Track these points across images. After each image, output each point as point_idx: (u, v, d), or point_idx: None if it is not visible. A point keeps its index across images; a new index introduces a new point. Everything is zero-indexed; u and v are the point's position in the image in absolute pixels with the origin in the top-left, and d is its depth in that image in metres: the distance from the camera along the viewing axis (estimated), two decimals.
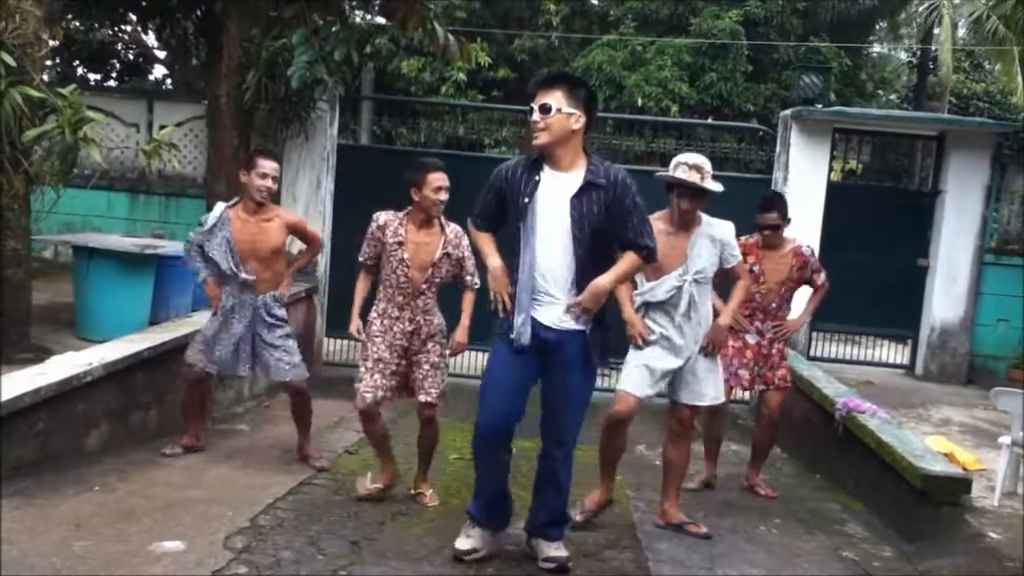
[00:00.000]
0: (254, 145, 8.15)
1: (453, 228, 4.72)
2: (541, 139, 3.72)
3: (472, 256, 4.69)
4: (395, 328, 4.65)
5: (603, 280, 3.71)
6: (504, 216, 3.88)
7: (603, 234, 3.74)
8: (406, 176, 4.62)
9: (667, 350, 4.52)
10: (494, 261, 3.86)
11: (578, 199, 3.70)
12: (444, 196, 4.58)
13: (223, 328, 5.16)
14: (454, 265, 4.73)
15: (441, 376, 4.73)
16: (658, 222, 4.40)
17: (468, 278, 4.79)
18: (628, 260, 3.81)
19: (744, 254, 5.46)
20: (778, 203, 5.57)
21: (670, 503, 4.70)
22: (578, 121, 3.73)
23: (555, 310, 3.76)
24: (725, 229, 4.63)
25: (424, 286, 4.64)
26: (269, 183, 5.10)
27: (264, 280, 5.18)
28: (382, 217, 4.67)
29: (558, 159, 3.75)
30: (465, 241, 4.69)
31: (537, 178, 3.74)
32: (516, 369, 3.83)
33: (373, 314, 4.72)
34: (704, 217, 4.59)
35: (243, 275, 5.08)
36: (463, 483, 5.15)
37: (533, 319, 3.76)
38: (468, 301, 4.82)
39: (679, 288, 4.48)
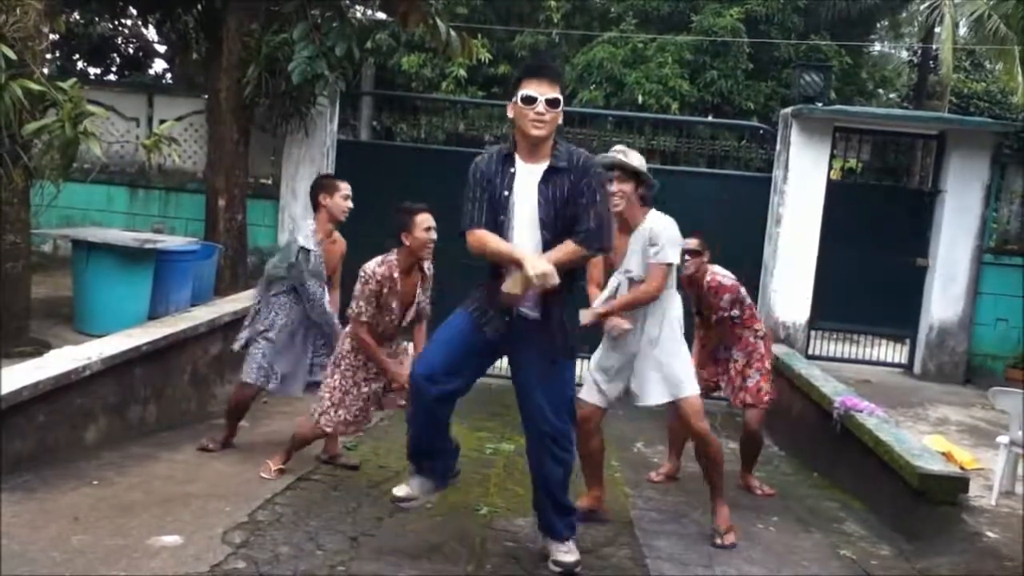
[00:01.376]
0: (255, 140, 8.17)
1: (428, 266, 4.84)
2: (544, 131, 3.70)
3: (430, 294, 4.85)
4: (368, 364, 4.81)
5: (544, 255, 3.66)
6: None
7: (567, 218, 3.71)
8: (392, 221, 4.67)
9: (609, 350, 4.56)
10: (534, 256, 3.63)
11: (544, 184, 3.73)
12: (434, 235, 4.66)
13: (288, 349, 5.24)
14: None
15: None
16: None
17: (427, 307, 4.89)
18: (564, 246, 3.68)
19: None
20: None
21: (713, 512, 4.64)
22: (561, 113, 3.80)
23: (531, 303, 3.77)
24: (657, 222, 4.45)
25: (405, 324, 4.87)
26: (350, 204, 5.22)
27: None
28: (377, 272, 4.67)
29: (539, 151, 3.76)
30: (431, 272, 4.84)
31: (512, 170, 3.76)
32: (472, 341, 3.81)
33: (348, 346, 4.85)
34: (651, 214, 4.48)
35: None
36: (464, 481, 5.15)
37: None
38: (422, 336, 4.88)
39: (617, 287, 4.51)
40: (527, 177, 3.75)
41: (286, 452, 5.01)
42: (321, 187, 5.24)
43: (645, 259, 4.42)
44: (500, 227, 3.74)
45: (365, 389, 4.83)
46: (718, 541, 4.47)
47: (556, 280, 3.56)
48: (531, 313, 3.78)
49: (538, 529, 4.08)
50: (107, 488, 4.45)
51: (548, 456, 3.86)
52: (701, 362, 5.57)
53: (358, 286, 4.70)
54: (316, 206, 5.21)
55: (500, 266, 3.75)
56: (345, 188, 5.22)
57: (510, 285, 3.62)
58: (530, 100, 3.67)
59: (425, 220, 4.62)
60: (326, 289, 5.25)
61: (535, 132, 3.69)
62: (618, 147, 4.55)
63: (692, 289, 5.48)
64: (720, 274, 5.48)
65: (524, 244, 3.72)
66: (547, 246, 3.72)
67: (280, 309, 5.23)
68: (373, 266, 4.69)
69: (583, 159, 3.78)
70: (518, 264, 3.60)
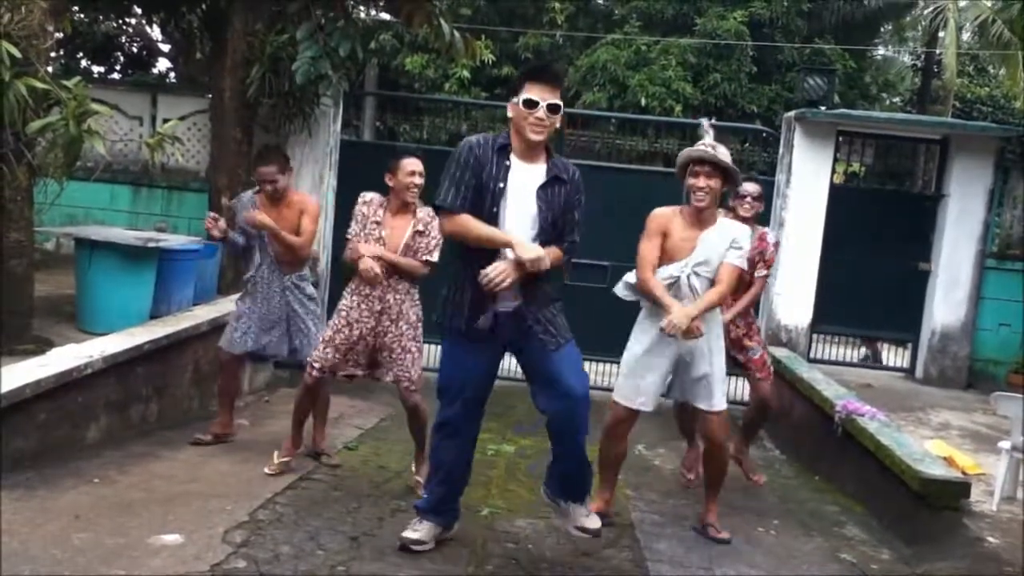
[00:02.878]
0: (257, 139, 8.17)
1: (425, 209, 4.85)
2: (542, 136, 3.75)
3: (439, 238, 4.79)
4: (363, 306, 4.83)
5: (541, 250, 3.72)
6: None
7: (558, 226, 3.81)
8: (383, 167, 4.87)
9: (659, 348, 4.45)
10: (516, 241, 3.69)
11: (544, 191, 3.78)
12: (418, 180, 4.78)
13: (253, 306, 5.32)
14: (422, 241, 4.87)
15: (412, 359, 4.85)
16: (676, 216, 4.49)
17: (426, 257, 4.86)
18: (554, 251, 3.79)
19: None
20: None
21: (708, 510, 4.70)
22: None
23: (511, 293, 3.76)
24: (738, 228, 4.52)
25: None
26: (279, 179, 5.26)
27: (286, 262, 5.33)
28: (368, 194, 4.89)
29: (534, 152, 3.81)
30: (436, 222, 4.69)
31: (507, 164, 3.78)
32: (478, 357, 3.86)
33: (345, 292, 4.92)
34: (722, 218, 4.56)
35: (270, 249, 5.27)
36: None
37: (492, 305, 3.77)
38: (417, 265, 4.87)
39: (676, 279, 4.41)
40: (524, 176, 3.78)
41: (293, 435, 5.05)
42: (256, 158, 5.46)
43: (720, 258, 4.41)
44: (490, 218, 3.75)
45: (357, 331, 4.81)
46: (713, 533, 4.57)
47: (547, 264, 3.68)
48: (508, 307, 3.77)
49: (557, 498, 4.00)
50: (108, 487, 4.45)
51: (577, 419, 3.82)
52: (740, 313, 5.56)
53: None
54: None
55: (481, 256, 3.71)
56: (263, 173, 5.25)
57: (498, 269, 3.62)
58: (531, 104, 3.71)
59: (409, 165, 4.76)
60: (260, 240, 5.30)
61: (534, 137, 3.74)
62: (708, 140, 4.56)
63: None
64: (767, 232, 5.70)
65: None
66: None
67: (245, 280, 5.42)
68: (369, 193, 4.90)
69: (576, 173, 3.90)
70: (509, 246, 3.67)
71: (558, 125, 3.82)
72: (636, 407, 4.52)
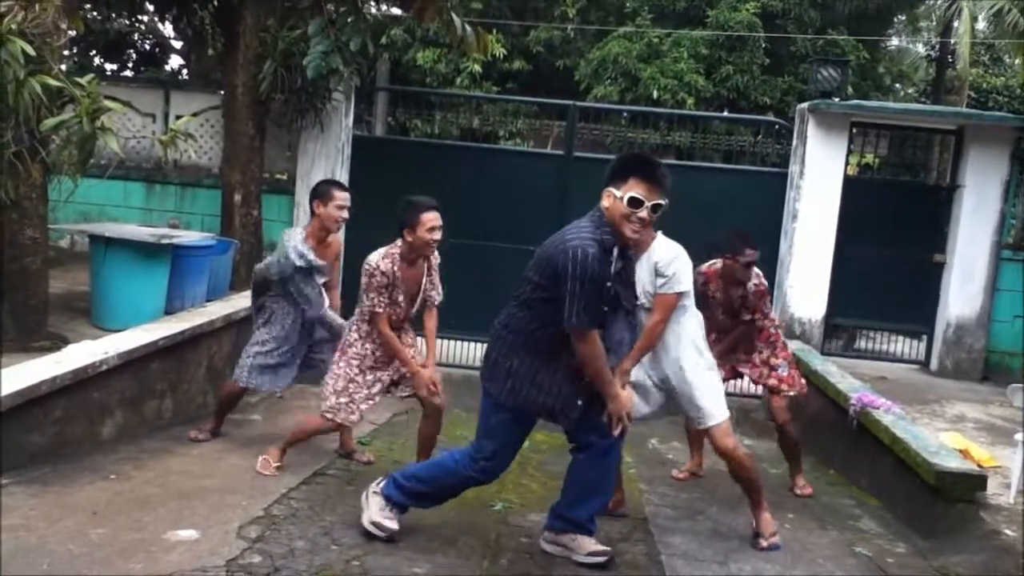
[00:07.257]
0: (270, 136, 8.19)
1: (435, 255, 4.80)
2: (639, 236, 3.71)
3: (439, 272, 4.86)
4: (376, 354, 4.80)
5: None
6: None
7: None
8: (397, 216, 4.60)
9: (645, 368, 4.50)
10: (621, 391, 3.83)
11: (627, 266, 3.87)
12: (438, 236, 4.57)
13: (282, 351, 5.26)
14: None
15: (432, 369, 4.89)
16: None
17: (437, 296, 4.87)
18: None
19: (706, 282, 5.36)
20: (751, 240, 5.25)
21: (759, 514, 4.53)
22: None
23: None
24: (662, 252, 4.26)
25: (412, 314, 4.83)
26: (346, 214, 5.14)
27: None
28: (383, 265, 4.61)
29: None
30: (437, 262, 4.81)
31: (611, 259, 3.66)
32: (528, 425, 4.00)
33: (355, 335, 4.82)
34: (657, 239, 4.31)
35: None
36: None
37: None
38: (433, 326, 4.88)
39: None
40: (615, 264, 3.70)
41: (283, 446, 4.96)
42: (316, 194, 5.16)
43: (652, 288, 4.26)
44: (602, 317, 3.69)
45: (370, 377, 4.80)
46: (763, 543, 4.42)
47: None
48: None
49: (563, 531, 4.05)
50: (124, 482, 4.48)
51: (609, 460, 4.03)
52: (722, 354, 5.43)
53: (364, 279, 4.66)
54: (312, 212, 5.18)
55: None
56: (340, 198, 5.10)
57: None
58: (636, 203, 3.56)
59: (430, 220, 4.52)
60: (323, 291, 5.25)
61: (632, 236, 3.64)
62: None
63: (728, 291, 5.35)
64: (761, 276, 5.37)
65: (620, 328, 3.82)
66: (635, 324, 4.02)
67: (275, 316, 5.25)
68: (376, 259, 4.63)
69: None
70: (609, 397, 3.76)
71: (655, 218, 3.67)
72: None
